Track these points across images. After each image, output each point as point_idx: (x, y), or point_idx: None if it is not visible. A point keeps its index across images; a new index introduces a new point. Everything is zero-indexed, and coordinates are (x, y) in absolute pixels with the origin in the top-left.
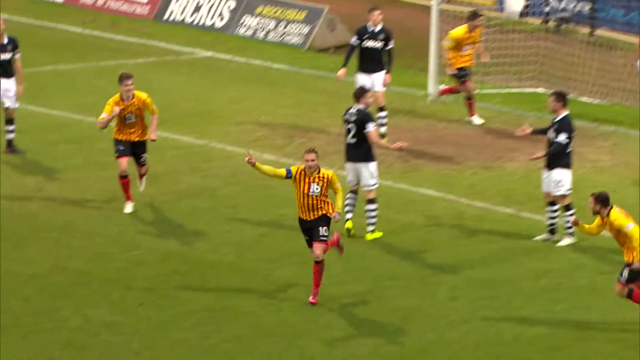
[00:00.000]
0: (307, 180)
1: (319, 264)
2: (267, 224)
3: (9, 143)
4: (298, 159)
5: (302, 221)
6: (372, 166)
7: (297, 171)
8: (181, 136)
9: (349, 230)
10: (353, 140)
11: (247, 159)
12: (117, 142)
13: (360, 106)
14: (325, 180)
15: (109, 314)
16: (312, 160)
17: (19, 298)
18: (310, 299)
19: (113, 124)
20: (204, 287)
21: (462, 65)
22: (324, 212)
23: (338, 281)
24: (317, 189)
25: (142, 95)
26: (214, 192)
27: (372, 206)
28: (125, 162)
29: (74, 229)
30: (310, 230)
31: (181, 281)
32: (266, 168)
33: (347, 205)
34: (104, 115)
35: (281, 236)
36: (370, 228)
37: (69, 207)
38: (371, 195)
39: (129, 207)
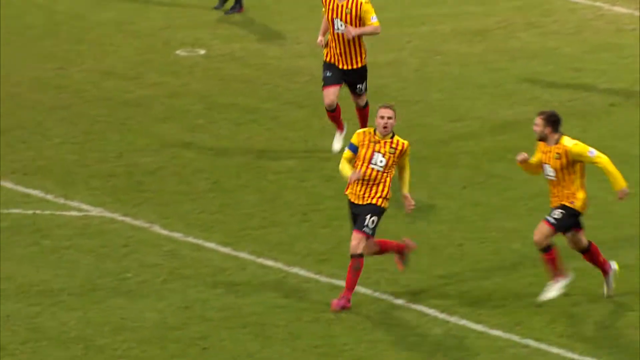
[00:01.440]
0: (372, 146)
1: (355, 258)
2: (618, 92)
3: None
4: None
5: (351, 204)
6: None
7: (362, 135)
8: None
9: None
10: None
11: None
12: (325, 66)
13: None
14: (399, 151)
15: (429, 198)
16: (389, 119)
17: (320, 178)
18: (334, 302)
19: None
20: None
21: None
22: (378, 196)
23: None
24: (381, 161)
25: None
26: (554, 52)
27: None
28: (332, 93)
29: (384, 95)
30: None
31: (514, 158)
32: (346, 168)
33: None
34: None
35: (635, 106)
36: None
37: (382, 68)
38: None
39: (337, 143)
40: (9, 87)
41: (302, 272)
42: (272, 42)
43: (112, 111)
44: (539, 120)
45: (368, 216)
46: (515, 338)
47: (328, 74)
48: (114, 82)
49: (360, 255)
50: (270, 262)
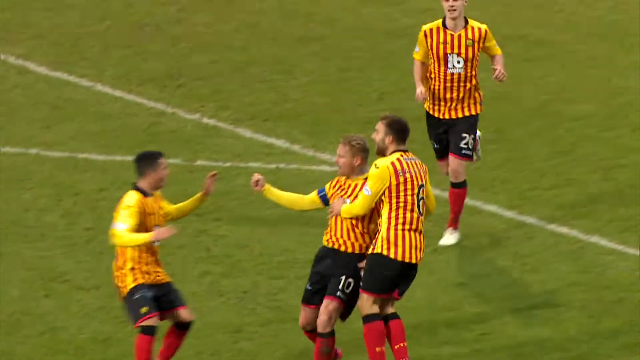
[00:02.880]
0: (339, 191)
1: (322, 337)
2: None
3: None
4: None
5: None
6: None
7: (331, 186)
8: None
9: None
10: None
11: (253, 180)
12: (430, 127)
13: None
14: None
15: None
16: (341, 157)
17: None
18: None
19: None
20: None
21: None
22: (356, 250)
23: None
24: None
25: (480, 25)
26: None
27: None
28: (444, 165)
29: None
30: (325, 276)
31: None
32: (284, 196)
33: None
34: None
35: None
36: None
37: None
38: None
39: (450, 237)
40: (247, 15)
41: (603, 242)
42: None
43: (372, 44)
44: (379, 126)
45: (343, 277)
46: None
47: (436, 145)
48: (373, 8)
49: (330, 334)
50: (564, 229)
